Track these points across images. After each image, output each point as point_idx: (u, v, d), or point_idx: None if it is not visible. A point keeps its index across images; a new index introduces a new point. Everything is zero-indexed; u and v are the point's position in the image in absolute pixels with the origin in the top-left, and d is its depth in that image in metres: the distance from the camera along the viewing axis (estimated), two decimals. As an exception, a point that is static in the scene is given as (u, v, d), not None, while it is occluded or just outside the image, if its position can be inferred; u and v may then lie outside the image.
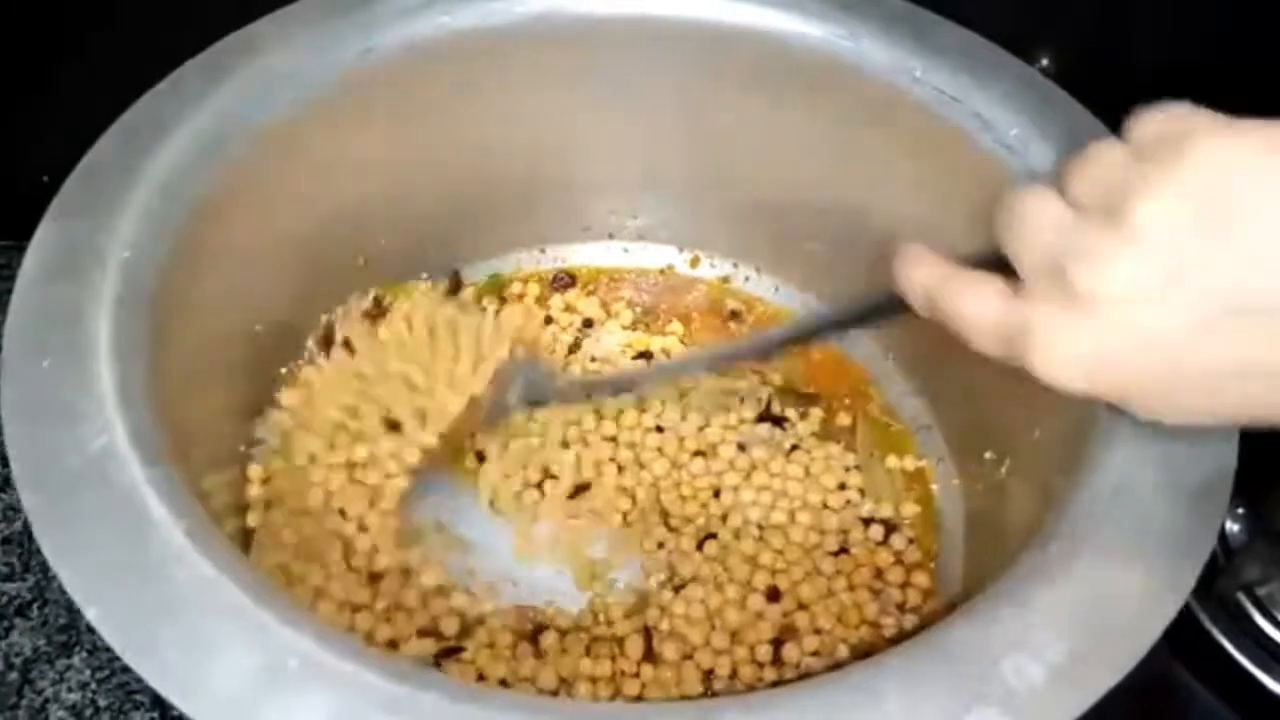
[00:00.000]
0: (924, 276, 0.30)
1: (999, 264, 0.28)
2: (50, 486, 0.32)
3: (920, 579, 0.46)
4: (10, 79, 0.55)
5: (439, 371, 0.47)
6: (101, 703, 0.43)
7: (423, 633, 0.43)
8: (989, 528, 0.45)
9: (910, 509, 0.48)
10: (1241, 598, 0.44)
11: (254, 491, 0.45)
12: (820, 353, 0.53)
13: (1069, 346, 0.26)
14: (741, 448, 0.49)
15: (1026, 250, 0.27)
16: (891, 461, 0.49)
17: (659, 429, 0.49)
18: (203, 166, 0.40)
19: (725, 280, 0.56)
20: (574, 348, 0.53)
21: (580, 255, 0.56)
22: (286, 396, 0.47)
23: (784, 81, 0.47)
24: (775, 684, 0.42)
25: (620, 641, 0.43)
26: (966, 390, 0.48)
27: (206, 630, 0.29)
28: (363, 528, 0.44)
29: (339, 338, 0.49)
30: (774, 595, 0.45)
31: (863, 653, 0.43)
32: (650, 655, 0.43)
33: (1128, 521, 0.33)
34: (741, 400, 0.51)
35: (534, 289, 0.54)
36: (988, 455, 0.46)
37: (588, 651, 0.43)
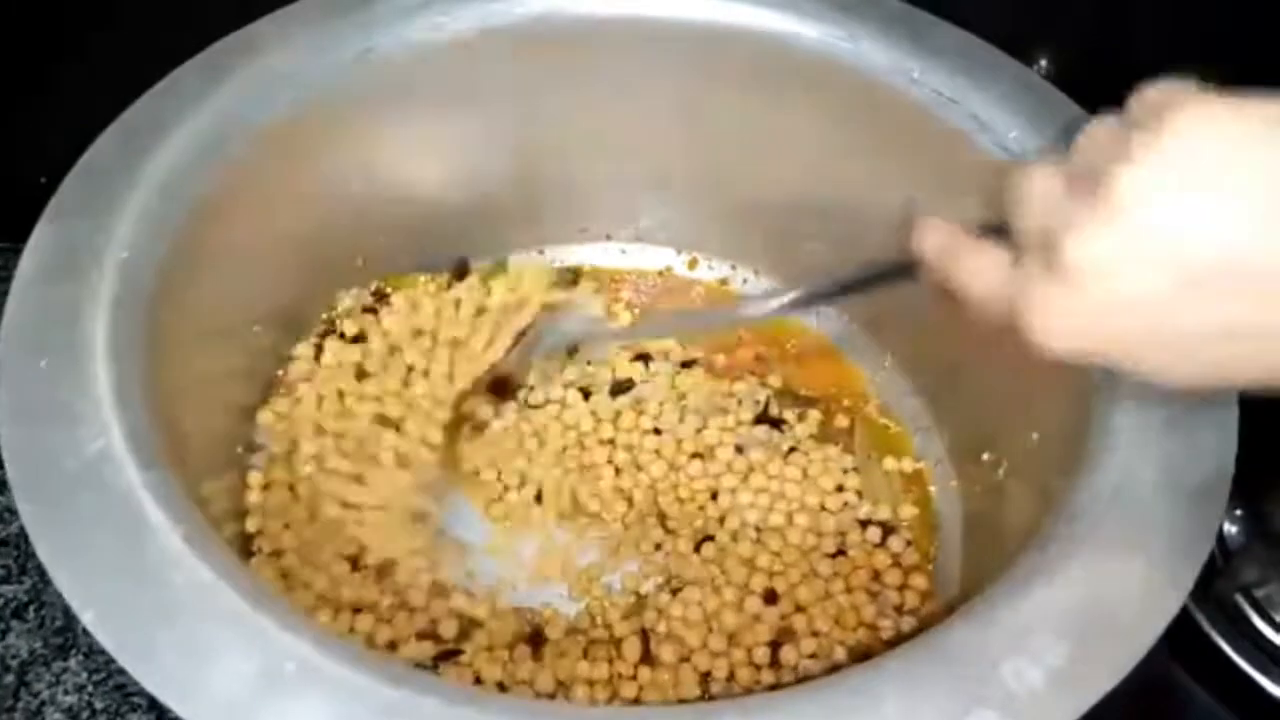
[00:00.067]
0: (935, 244, 0.31)
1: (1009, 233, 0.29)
2: (47, 489, 0.32)
3: (918, 581, 0.46)
4: (10, 79, 0.55)
5: (442, 357, 0.47)
6: (98, 705, 0.43)
7: (421, 635, 0.43)
8: (987, 529, 0.45)
9: (908, 511, 0.48)
10: (1239, 599, 0.44)
11: (253, 497, 0.45)
12: (818, 354, 0.53)
13: (1061, 317, 0.26)
14: (739, 450, 0.49)
15: (1024, 222, 0.27)
16: (889, 463, 0.49)
17: (656, 431, 0.49)
18: (201, 167, 0.40)
19: (723, 282, 0.56)
20: (572, 350, 0.53)
21: (578, 256, 0.56)
22: (287, 397, 0.47)
23: (782, 82, 0.47)
24: (773, 686, 0.42)
25: (618, 644, 0.43)
26: (964, 392, 0.48)
27: (203, 634, 0.29)
28: (363, 530, 0.44)
29: (340, 331, 0.49)
30: (771, 597, 0.45)
31: (860, 655, 0.43)
32: (648, 658, 0.43)
33: (1126, 523, 0.33)
34: (739, 402, 0.51)
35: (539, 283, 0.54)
36: (986, 457, 0.46)
37: (585, 654, 0.43)
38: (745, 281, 0.55)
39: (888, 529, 0.47)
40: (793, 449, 0.49)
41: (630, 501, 0.48)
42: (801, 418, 0.51)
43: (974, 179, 0.43)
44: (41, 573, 0.47)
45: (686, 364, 0.52)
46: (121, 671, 0.29)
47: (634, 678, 0.43)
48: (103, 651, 0.29)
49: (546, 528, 0.47)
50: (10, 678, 0.44)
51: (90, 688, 0.43)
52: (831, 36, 0.45)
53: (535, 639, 0.43)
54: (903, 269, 0.33)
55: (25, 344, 0.35)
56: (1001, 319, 0.28)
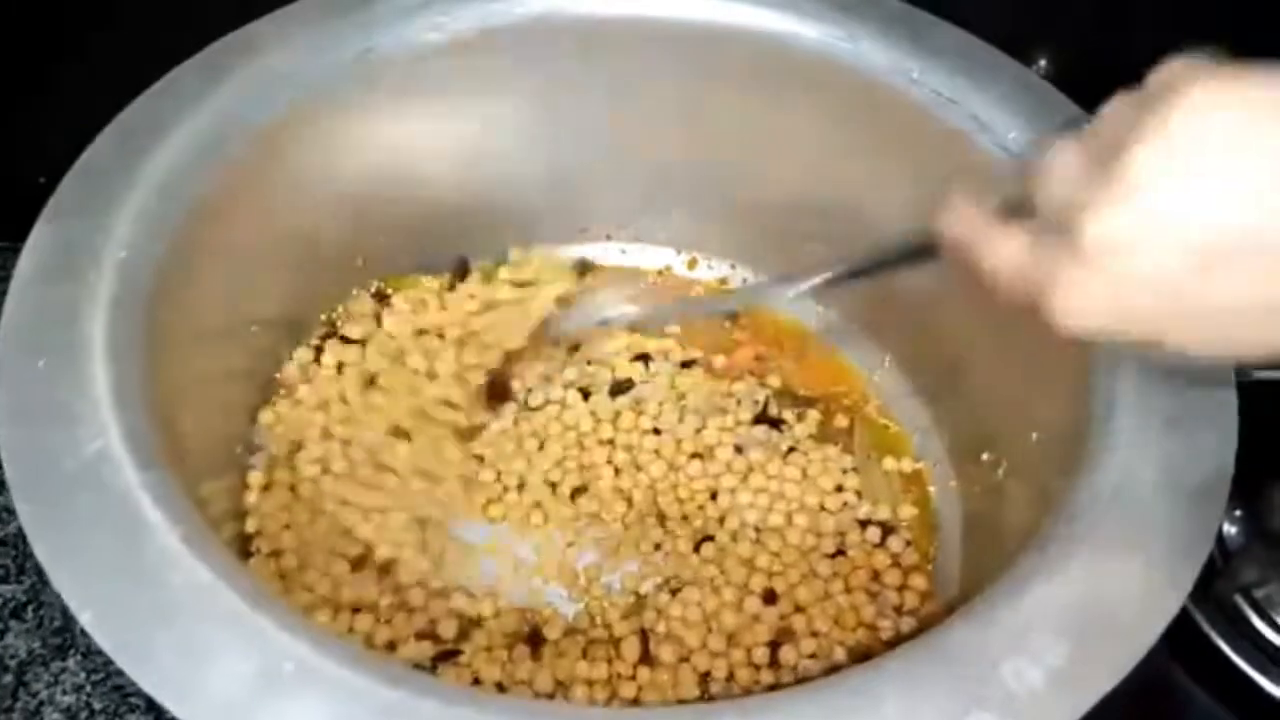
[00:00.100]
0: (959, 226, 0.31)
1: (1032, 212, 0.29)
2: (45, 489, 0.32)
3: (917, 581, 0.46)
4: (10, 79, 0.55)
5: (448, 357, 0.48)
6: (96, 705, 0.43)
7: (420, 636, 0.43)
8: (986, 529, 0.45)
9: (907, 511, 0.48)
10: (1239, 600, 0.44)
11: (252, 498, 0.45)
12: (817, 355, 0.53)
13: (1080, 296, 0.26)
14: (739, 450, 0.49)
15: (1045, 199, 0.28)
16: (889, 463, 0.49)
17: (656, 431, 0.49)
18: (200, 167, 0.40)
19: (723, 281, 0.56)
20: (574, 348, 0.53)
21: (579, 256, 0.55)
22: (288, 399, 0.47)
23: (782, 82, 0.47)
24: (772, 687, 0.42)
25: (617, 644, 0.43)
26: (964, 392, 0.48)
27: (201, 635, 0.29)
28: (364, 531, 0.44)
29: (340, 334, 0.49)
30: (771, 598, 0.44)
31: (860, 655, 0.43)
32: (647, 658, 0.43)
33: (1125, 523, 0.33)
34: (738, 402, 0.51)
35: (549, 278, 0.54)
36: (985, 457, 0.46)
37: (584, 654, 0.43)
38: (745, 281, 0.55)
39: (887, 529, 0.47)
40: (792, 449, 0.49)
41: (630, 502, 0.48)
42: (801, 418, 0.51)
43: (974, 179, 0.43)
44: (40, 573, 0.46)
45: (686, 364, 0.52)
46: (120, 672, 0.29)
47: (633, 678, 0.43)
48: (101, 652, 0.29)
49: (546, 528, 0.47)
50: (9, 678, 0.44)
51: (88, 688, 0.43)
52: (831, 37, 0.45)
53: (534, 639, 0.43)
54: (925, 249, 0.33)
55: (24, 344, 0.35)
56: (1022, 299, 0.28)
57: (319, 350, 0.49)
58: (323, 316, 0.50)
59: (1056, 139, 0.28)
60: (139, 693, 0.43)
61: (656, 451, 0.49)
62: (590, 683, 0.42)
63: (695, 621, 0.44)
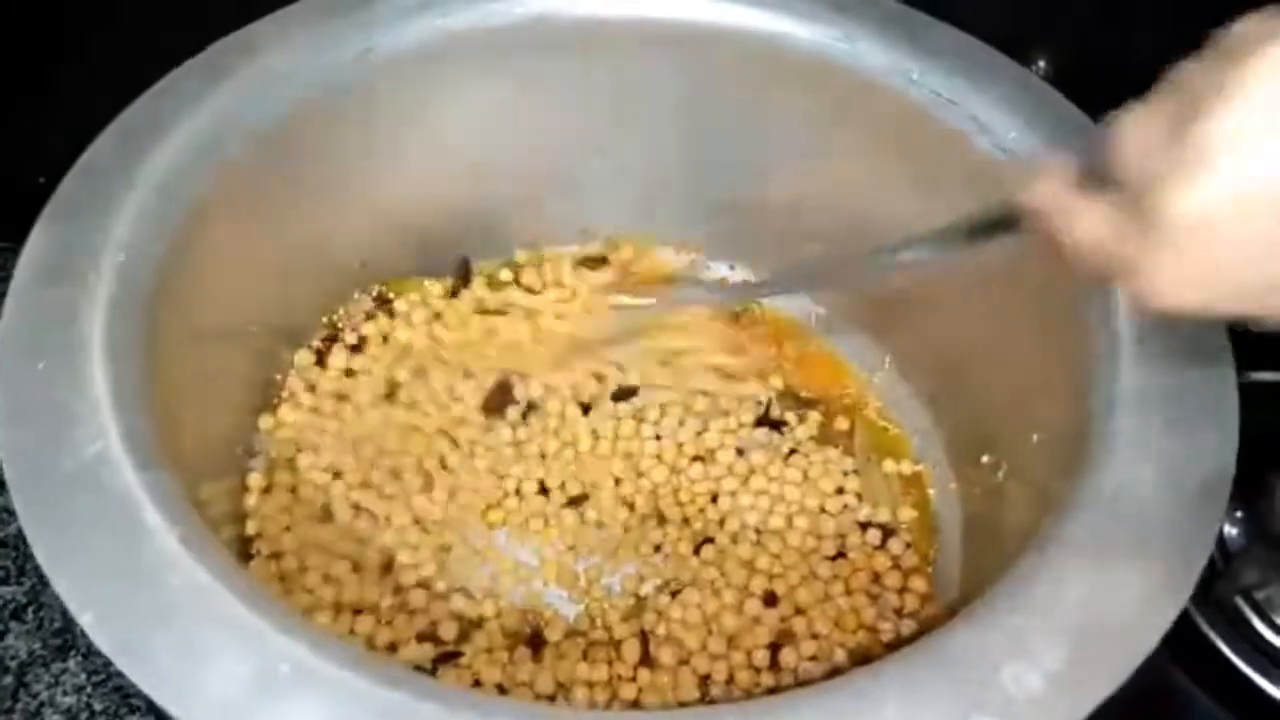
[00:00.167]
0: (1041, 197, 0.29)
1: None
2: (44, 491, 0.32)
3: (917, 583, 0.46)
4: (10, 79, 0.55)
5: (454, 365, 0.48)
6: (97, 706, 0.43)
7: (421, 637, 0.43)
8: (986, 532, 0.45)
9: (907, 513, 0.48)
10: (1240, 602, 0.44)
11: (253, 500, 0.44)
12: (818, 356, 0.53)
13: (1169, 280, 0.25)
14: (740, 452, 0.49)
15: (1124, 172, 0.26)
16: (889, 465, 0.49)
17: (657, 438, 0.49)
18: (200, 167, 0.40)
19: (723, 282, 0.55)
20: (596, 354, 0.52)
21: (579, 256, 0.55)
22: (289, 401, 0.47)
23: (782, 83, 0.47)
24: (772, 689, 0.42)
25: (617, 646, 0.43)
26: (964, 394, 0.48)
27: (200, 636, 0.29)
28: (366, 533, 0.44)
29: (344, 339, 0.49)
30: (771, 600, 0.44)
31: (860, 657, 0.43)
32: (647, 660, 0.43)
33: (1126, 525, 0.33)
34: (740, 404, 0.50)
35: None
36: (985, 459, 0.46)
37: (585, 656, 0.43)
38: (745, 282, 0.55)
39: (887, 531, 0.47)
40: (793, 451, 0.49)
41: (630, 504, 0.48)
42: (801, 420, 0.50)
43: (973, 180, 0.43)
44: (40, 574, 0.46)
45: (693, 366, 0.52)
46: (120, 673, 0.29)
47: (633, 680, 0.43)
48: (101, 653, 0.29)
49: (546, 532, 0.47)
50: (9, 679, 0.44)
51: (89, 689, 0.43)
52: (829, 37, 0.45)
53: (535, 641, 0.43)
54: (1007, 221, 0.32)
55: (23, 345, 0.35)
56: (1106, 274, 0.27)
57: (320, 353, 0.49)
58: (323, 319, 0.50)
59: (1131, 107, 0.26)
60: (139, 694, 0.43)
61: (658, 456, 0.48)
62: (591, 684, 0.42)
63: (695, 624, 0.44)
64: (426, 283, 0.52)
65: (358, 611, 0.43)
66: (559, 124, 0.50)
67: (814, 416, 0.51)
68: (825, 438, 0.50)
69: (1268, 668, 0.43)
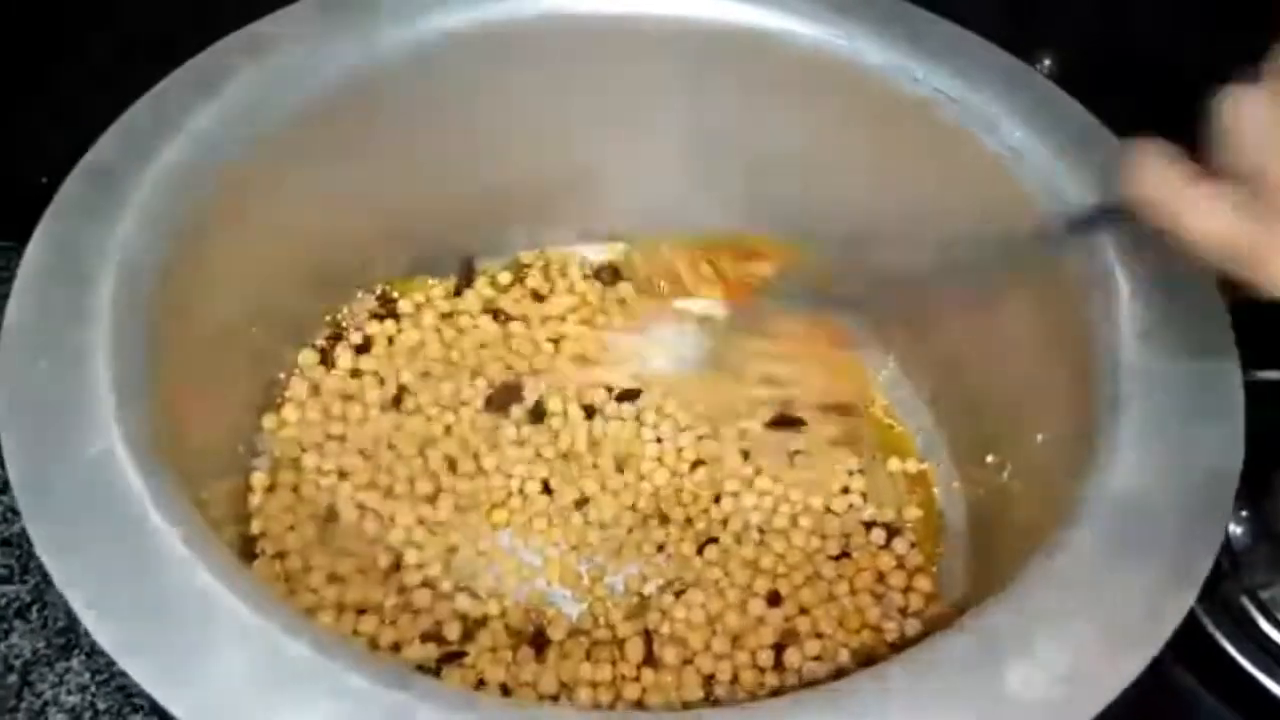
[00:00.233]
0: (1155, 189, 0.28)
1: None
2: (47, 491, 0.32)
3: (922, 583, 0.45)
4: (10, 79, 0.55)
5: (460, 367, 0.48)
6: (101, 706, 0.43)
7: (425, 637, 0.42)
8: (991, 531, 0.45)
9: (912, 512, 0.48)
10: (1245, 601, 0.44)
11: (256, 500, 0.44)
12: (825, 355, 0.53)
13: None
14: (744, 453, 0.49)
15: (1236, 156, 0.25)
16: (894, 464, 0.49)
17: (659, 440, 0.49)
18: (203, 167, 0.40)
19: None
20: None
21: (580, 257, 0.55)
22: (293, 402, 0.47)
23: (785, 82, 0.47)
24: (776, 689, 0.42)
25: (621, 645, 0.43)
26: (969, 393, 0.48)
27: (204, 636, 0.29)
28: (369, 534, 0.44)
29: (348, 340, 0.49)
30: (775, 600, 0.44)
31: (864, 657, 0.43)
32: (651, 659, 0.43)
33: (1131, 525, 0.33)
34: (749, 405, 0.50)
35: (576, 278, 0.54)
36: (990, 458, 0.46)
37: (588, 656, 0.43)
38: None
39: (892, 531, 0.47)
40: (797, 450, 0.49)
41: (633, 504, 0.47)
42: (817, 420, 0.50)
43: (978, 179, 0.43)
44: (44, 573, 0.46)
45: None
46: (124, 672, 0.29)
47: (637, 679, 0.42)
48: (105, 652, 0.29)
49: (550, 532, 0.47)
50: (13, 678, 0.44)
51: (93, 688, 0.43)
52: (831, 36, 0.45)
53: (539, 640, 0.43)
54: (1119, 211, 0.31)
55: (26, 345, 0.35)
56: (1226, 265, 0.26)
57: (323, 352, 0.49)
58: (326, 318, 0.50)
59: (1236, 89, 0.25)
60: (143, 693, 0.43)
61: (659, 460, 0.48)
62: (594, 684, 0.42)
63: (699, 623, 0.44)
64: (430, 282, 0.52)
65: (361, 611, 0.43)
66: (559, 123, 0.50)
67: (830, 416, 0.50)
68: (834, 437, 0.49)
69: (1273, 667, 0.43)
